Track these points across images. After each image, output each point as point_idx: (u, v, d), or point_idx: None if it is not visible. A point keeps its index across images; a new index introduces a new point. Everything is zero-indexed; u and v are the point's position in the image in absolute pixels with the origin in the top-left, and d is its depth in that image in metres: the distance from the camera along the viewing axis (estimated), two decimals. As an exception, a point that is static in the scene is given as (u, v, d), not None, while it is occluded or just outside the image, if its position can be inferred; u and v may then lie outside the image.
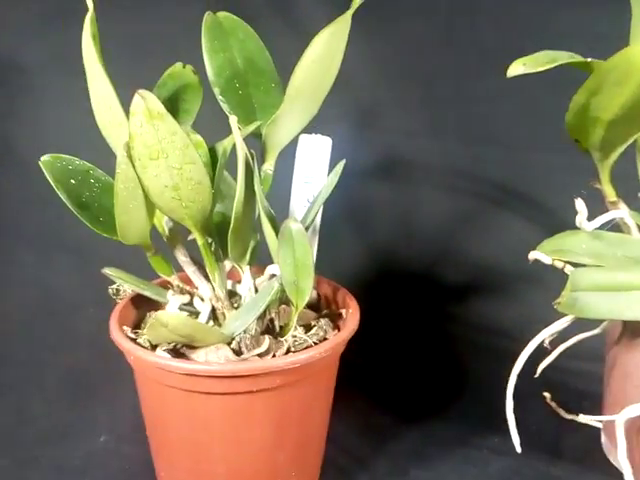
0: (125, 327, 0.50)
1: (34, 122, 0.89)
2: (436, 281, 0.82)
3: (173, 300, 0.51)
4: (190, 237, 0.51)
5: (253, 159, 0.47)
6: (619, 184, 0.52)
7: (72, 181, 0.48)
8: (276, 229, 0.48)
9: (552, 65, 0.45)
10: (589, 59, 0.45)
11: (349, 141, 0.61)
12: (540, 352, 0.52)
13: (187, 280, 0.52)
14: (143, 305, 0.54)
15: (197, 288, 0.52)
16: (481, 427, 0.61)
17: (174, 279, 0.52)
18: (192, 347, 0.47)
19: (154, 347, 0.48)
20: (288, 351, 0.48)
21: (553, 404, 0.57)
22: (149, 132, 0.41)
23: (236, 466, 0.49)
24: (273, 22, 0.82)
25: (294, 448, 0.50)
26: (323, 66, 0.48)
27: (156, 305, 0.54)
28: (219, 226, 0.52)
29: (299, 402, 0.48)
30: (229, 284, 0.53)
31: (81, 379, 0.71)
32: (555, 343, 0.53)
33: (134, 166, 0.43)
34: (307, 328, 0.51)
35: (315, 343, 0.48)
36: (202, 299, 0.52)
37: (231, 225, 0.46)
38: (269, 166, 0.53)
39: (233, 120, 0.46)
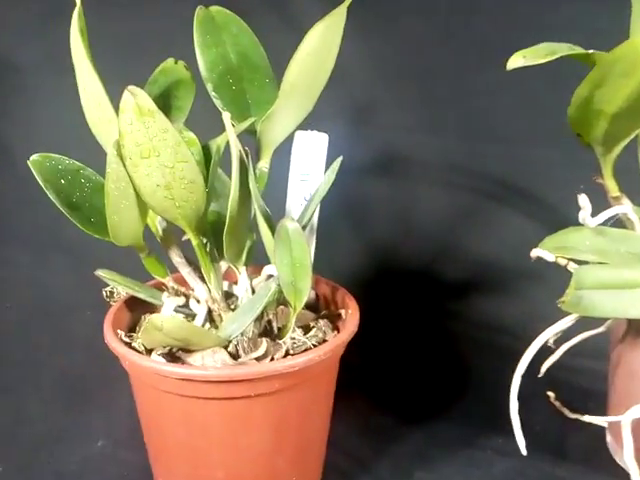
0: (119, 331, 0.49)
1: (28, 121, 0.89)
2: (436, 278, 0.81)
3: (168, 302, 0.50)
4: (185, 237, 0.49)
5: (248, 157, 0.46)
6: (622, 179, 0.51)
7: (62, 181, 0.47)
8: (272, 228, 0.47)
9: (552, 57, 0.44)
10: (590, 51, 0.44)
11: (346, 138, 0.60)
12: (543, 350, 0.51)
13: (182, 281, 0.51)
14: (138, 307, 0.53)
15: (193, 290, 0.51)
16: (484, 427, 0.60)
17: (169, 281, 0.51)
18: (188, 351, 0.46)
19: (149, 351, 0.47)
20: (287, 354, 0.47)
21: (557, 403, 0.56)
22: (139, 130, 0.40)
23: (235, 471, 0.48)
24: (267, 17, 0.81)
25: (294, 452, 0.48)
26: (318, 60, 0.47)
27: (151, 307, 0.53)
28: (214, 226, 0.51)
29: (298, 406, 0.47)
30: (225, 285, 0.52)
31: (78, 382, 0.69)
32: (559, 342, 0.51)
33: (125, 165, 0.41)
34: (306, 329, 0.50)
35: (314, 345, 0.47)
36: (198, 301, 0.50)
37: (226, 225, 0.45)
38: (264, 164, 0.52)
39: (226, 117, 0.44)
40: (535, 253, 0.48)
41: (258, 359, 0.45)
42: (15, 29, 0.86)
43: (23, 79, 0.87)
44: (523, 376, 0.49)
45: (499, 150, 0.78)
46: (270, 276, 0.50)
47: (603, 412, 0.57)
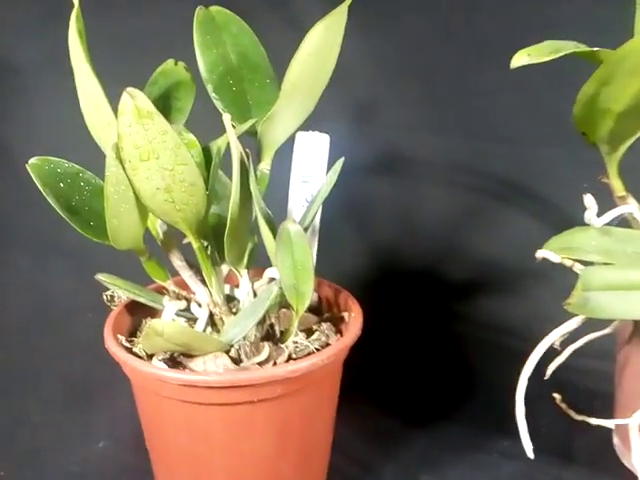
0: (120, 336, 0.48)
1: (28, 123, 0.88)
2: (440, 279, 0.81)
3: (169, 306, 0.50)
4: (185, 240, 0.49)
5: (248, 158, 0.45)
6: (627, 178, 0.50)
7: (61, 184, 0.46)
8: (274, 231, 0.46)
9: (557, 55, 0.43)
10: (596, 48, 0.44)
11: (348, 138, 0.60)
12: (548, 351, 0.50)
13: (183, 285, 0.51)
14: (139, 311, 0.53)
15: (194, 293, 0.50)
16: (490, 430, 0.60)
17: (170, 284, 0.51)
18: (190, 355, 0.46)
19: (151, 356, 0.46)
20: (289, 358, 0.46)
21: (563, 405, 0.55)
22: (138, 132, 0.40)
23: (238, 477, 0.47)
24: (268, 17, 0.80)
25: (297, 458, 0.48)
26: (320, 60, 0.47)
27: (152, 311, 0.52)
28: (215, 228, 0.50)
29: (302, 411, 0.46)
30: (227, 288, 0.51)
31: (79, 385, 0.69)
32: (564, 343, 0.51)
33: (124, 168, 0.41)
34: (308, 333, 0.49)
35: (317, 349, 0.47)
36: (199, 305, 0.50)
37: (227, 227, 0.44)
38: (265, 165, 0.51)
39: (227, 118, 0.44)
40: (540, 254, 0.47)
41: (260, 364, 0.45)
42: (15, 30, 0.86)
43: (23, 81, 0.86)
44: (528, 378, 0.49)
45: (503, 149, 0.78)
46: (272, 279, 0.50)
47: (609, 412, 0.56)
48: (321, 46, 0.45)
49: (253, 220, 0.48)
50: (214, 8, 0.50)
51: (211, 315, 0.49)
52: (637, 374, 0.52)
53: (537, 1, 0.73)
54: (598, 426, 0.55)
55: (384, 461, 0.57)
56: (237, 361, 0.45)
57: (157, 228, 0.49)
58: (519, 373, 0.49)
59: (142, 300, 0.50)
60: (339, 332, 0.51)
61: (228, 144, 0.45)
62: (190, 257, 0.49)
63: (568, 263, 0.47)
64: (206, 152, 0.48)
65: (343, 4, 0.44)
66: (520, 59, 0.44)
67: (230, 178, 0.44)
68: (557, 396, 0.54)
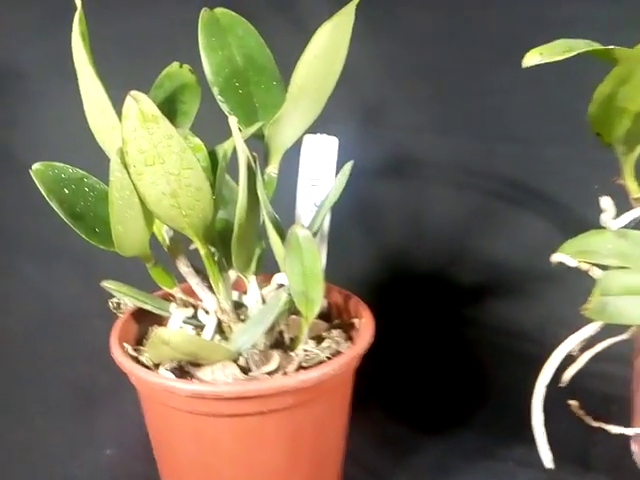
0: (126, 344, 0.47)
1: (33, 128, 0.87)
2: (451, 283, 0.80)
3: (176, 314, 0.49)
4: (192, 247, 0.48)
5: (256, 162, 0.44)
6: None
7: (65, 190, 0.45)
8: (282, 236, 0.45)
9: (570, 54, 0.42)
10: (611, 47, 0.43)
11: (356, 140, 0.59)
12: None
13: (190, 292, 0.50)
14: (145, 319, 0.52)
15: (201, 300, 0.49)
16: (505, 437, 0.59)
17: (176, 291, 0.50)
18: (198, 364, 0.45)
19: (157, 365, 0.45)
20: (299, 367, 0.45)
21: (580, 412, 0.54)
22: (143, 136, 0.39)
23: (248, 489, 0.46)
24: (273, 20, 0.79)
25: (309, 469, 0.47)
26: (327, 61, 0.46)
27: (159, 319, 0.51)
28: (222, 234, 0.49)
29: (313, 422, 0.45)
30: (235, 295, 0.50)
31: (85, 392, 0.68)
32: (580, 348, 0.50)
33: (129, 173, 0.40)
34: (318, 340, 0.48)
35: (328, 357, 0.46)
36: (207, 312, 0.49)
37: (234, 232, 0.43)
38: (273, 169, 0.50)
39: (233, 121, 0.43)
40: (556, 258, 0.46)
41: (270, 373, 0.44)
42: (18, 34, 0.85)
43: (26, 85, 0.86)
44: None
45: (513, 150, 0.77)
46: (280, 285, 0.49)
47: (627, 418, 0.55)
48: (328, 47, 0.44)
49: (261, 225, 0.47)
50: (219, 10, 0.50)
51: (219, 322, 0.48)
52: (656, 380, 0.50)
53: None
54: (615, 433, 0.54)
55: (397, 470, 0.56)
56: (246, 370, 0.44)
57: (163, 234, 0.48)
58: (533, 378, 0.48)
59: (148, 307, 0.49)
60: (350, 339, 0.49)
61: (235, 148, 0.44)
62: (197, 263, 0.48)
63: (584, 267, 0.45)
64: (212, 156, 0.47)
65: (350, 4, 0.43)
66: (532, 58, 0.43)
67: (237, 182, 0.43)
68: (573, 402, 0.53)
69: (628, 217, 0.48)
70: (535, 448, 0.48)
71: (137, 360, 0.46)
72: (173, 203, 0.42)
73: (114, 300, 0.51)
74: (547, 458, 0.47)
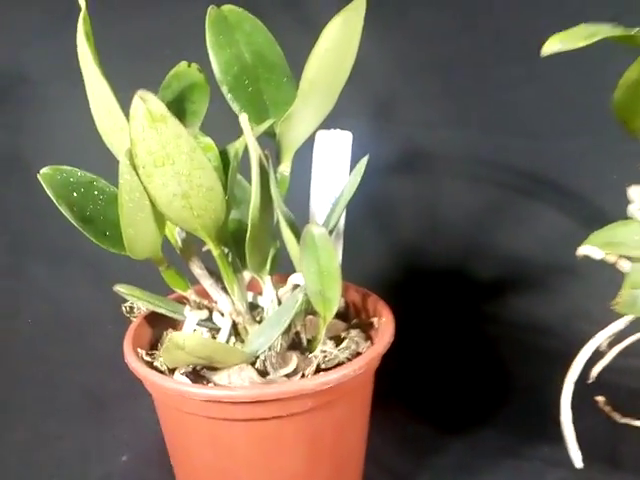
0: (140, 350, 0.47)
1: (41, 133, 0.87)
2: (469, 279, 0.78)
3: (190, 316, 0.48)
4: (205, 248, 0.47)
5: (268, 160, 0.43)
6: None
7: (74, 194, 0.44)
8: (297, 235, 0.44)
9: (592, 40, 0.40)
10: (635, 30, 0.41)
11: (368, 137, 0.58)
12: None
13: (204, 294, 0.49)
14: (159, 323, 0.51)
15: (216, 302, 0.48)
16: (530, 435, 0.57)
17: (190, 294, 0.49)
18: (213, 368, 0.44)
19: (172, 370, 0.44)
20: (318, 369, 0.44)
21: (607, 408, 0.52)
22: (152, 137, 0.38)
23: (267, 495, 0.45)
24: (282, 18, 0.78)
25: (330, 474, 0.46)
26: (338, 55, 0.44)
27: (173, 322, 0.51)
28: (235, 234, 0.48)
29: (333, 425, 0.44)
30: (250, 296, 0.49)
31: (100, 397, 0.68)
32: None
33: (138, 175, 0.39)
34: (337, 340, 0.47)
35: (347, 358, 0.44)
36: (222, 314, 0.48)
37: (248, 232, 0.42)
38: (285, 167, 0.49)
39: (244, 119, 0.42)
40: (582, 251, 0.44)
41: (288, 376, 0.43)
42: (22, 38, 0.85)
43: (32, 89, 0.85)
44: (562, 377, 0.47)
45: (526, 143, 0.76)
46: (296, 285, 0.47)
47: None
48: (339, 41, 0.43)
49: (275, 224, 0.46)
50: (226, 7, 0.48)
51: (234, 325, 0.47)
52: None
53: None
54: (642, 428, 0.53)
55: (419, 470, 0.55)
56: (263, 373, 0.43)
57: (175, 236, 0.47)
58: (558, 375, 0.47)
59: (162, 311, 0.48)
60: (369, 338, 0.48)
61: (246, 147, 0.43)
62: (211, 265, 0.48)
63: (611, 260, 0.44)
64: (223, 156, 0.46)
65: (360, -2, 0.42)
66: (552, 46, 0.41)
67: (249, 182, 0.42)
68: (600, 398, 0.51)
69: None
70: (562, 446, 0.47)
71: (151, 365, 0.45)
72: (185, 204, 0.41)
73: (127, 304, 0.51)
74: (577, 457, 0.45)
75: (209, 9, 0.48)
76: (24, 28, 0.85)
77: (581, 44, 0.40)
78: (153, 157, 0.38)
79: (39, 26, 0.84)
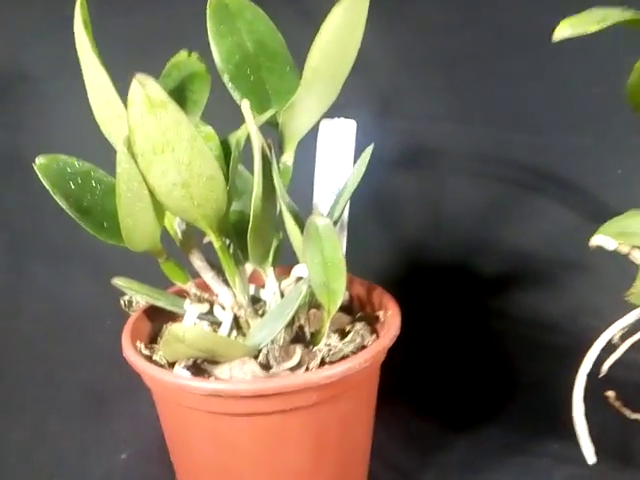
0: (139, 343, 0.45)
1: (41, 130, 0.86)
2: (474, 274, 0.77)
3: (190, 310, 0.47)
4: (206, 240, 0.46)
5: (271, 149, 0.42)
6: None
7: (71, 184, 0.43)
8: (300, 225, 0.43)
9: (604, 25, 0.39)
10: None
11: (371, 131, 0.57)
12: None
13: (205, 288, 0.47)
14: (159, 317, 0.50)
15: (217, 295, 0.47)
16: (537, 432, 0.56)
17: (190, 286, 0.47)
18: (214, 362, 0.42)
19: (172, 364, 0.43)
20: (322, 362, 0.42)
21: (617, 404, 0.51)
22: (151, 123, 0.37)
23: (271, 493, 0.44)
24: (283, 10, 0.77)
25: (335, 469, 0.44)
26: (342, 43, 0.43)
27: (173, 316, 0.50)
28: (237, 226, 0.47)
29: (338, 419, 0.43)
30: (252, 289, 0.48)
31: (99, 394, 0.67)
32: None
33: (137, 163, 0.38)
34: (341, 334, 0.46)
35: (352, 352, 0.43)
36: (223, 307, 0.47)
37: (250, 223, 0.41)
38: (288, 157, 0.48)
39: (245, 105, 0.41)
40: (595, 241, 0.43)
41: (292, 369, 0.42)
42: (24, 36, 0.84)
43: (31, 86, 0.84)
44: (573, 373, 0.45)
45: (530, 138, 0.75)
46: (300, 278, 0.46)
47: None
48: (343, 28, 0.42)
49: (277, 215, 0.45)
50: (227, -5, 0.47)
51: (236, 318, 0.46)
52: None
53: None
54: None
55: (425, 467, 0.54)
56: (266, 367, 0.42)
57: (175, 227, 0.46)
58: (565, 370, 0.46)
59: (161, 304, 0.47)
60: (374, 332, 0.47)
61: (248, 137, 0.42)
62: (212, 257, 0.46)
63: (624, 250, 0.43)
64: (224, 145, 0.45)
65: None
66: (562, 31, 0.40)
67: (251, 172, 0.41)
68: (610, 394, 0.50)
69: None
70: (571, 443, 0.46)
71: (150, 359, 0.44)
72: (185, 194, 0.40)
73: (126, 298, 0.49)
74: (589, 452, 0.44)
75: (210, -3, 0.47)
76: (24, 26, 0.84)
77: (593, 29, 0.39)
78: (152, 144, 0.37)
79: (39, 24, 0.83)
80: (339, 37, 0.43)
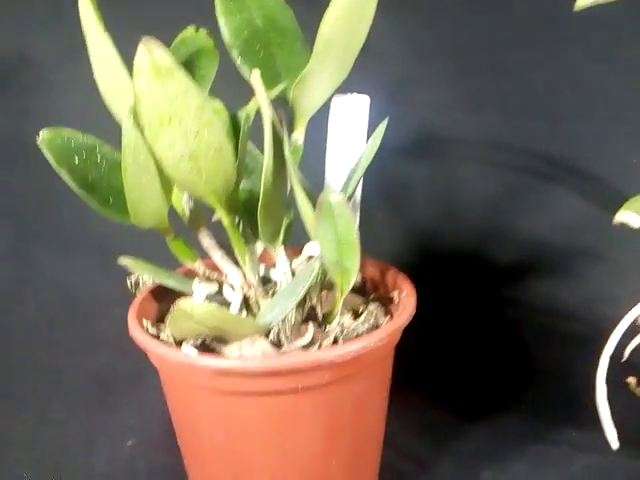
0: (145, 322, 0.44)
1: (47, 118, 0.85)
2: (489, 263, 0.76)
3: (199, 289, 0.45)
4: (215, 218, 0.44)
5: (282, 123, 0.41)
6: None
7: (76, 159, 0.42)
8: (313, 203, 0.41)
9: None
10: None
11: (382, 117, 0.56)
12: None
13: (214, 268, 0.46)
14: (166, 297, 0.48)
15: (226, 275, 0.45)
16: (555, 419, 0.55)
17: (199, 266, 0.46)
18: (223, 341, 0.41)
19: (179, 343, 0.42)
20: (335, 342, 0.41)
21: (638, 390, 0.49)
22: (157, 91, 0.36)
23: (281, 476, 0.42)
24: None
25: (348, 453, 0.43)
26: (354, 15, 0.42)
27: (180, 297, 0.48)
28: (247, 204, 0.46)
29: (352, 400, 0.41)
30: (262, 269, 0.46)
31: (106, 381, 0.66)
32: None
33: (143, 134, 0.37)
34: (354, 315, 0.44)
35: (366, 333, 0.42)
36: (232, 287, 0.45)
37: (260, 199, 0.40)
38: (299, 134, 0.46)
39: (256, 76, 0.39)
40: (620, 218, 0.41)
41: (304, 348, 0.40)
42: (29, 23, 0.83)
43: (39, 74, 0.84)
44: (594, 360, 0.44)
45: (543, 126, 0.73)
46: (311, 256, 0.45)
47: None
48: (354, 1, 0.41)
49: (288, 193, 0.44)
50: (237, -29, 0.46)
51: (245, 299, 0.45)
52: None
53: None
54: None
55: (440, 456, 0.53)
56: (277, 345, 0.41)
57: (183, 205, 0.45)
58: (581, 358, 0.45)
59: (169, 284, 0.45)
60: (388, 313, 0.46)
61: (258, 113, 0.40)
62: (221, 236, 0.45)
63: (646, 227, 0.41)
64: (234, 120, 0.43)
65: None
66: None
67: (261, 150, 0.40)
68: (632, 380, 0.49)
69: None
70: (590, 430, 0.45)
71: (157, 338, 0.43)
72: (192, 166, 0.38)
73: (132, 278, 0.48)
74: (613, 436, 0.42)
75: (219, -26, 0.46)
76: (27, 12, 0.83)
77: (614, -4, 0.38)
78: (159, 114, 0.36)
79: (42, 9, 0.83)
80: (351, 9, 0.41)
